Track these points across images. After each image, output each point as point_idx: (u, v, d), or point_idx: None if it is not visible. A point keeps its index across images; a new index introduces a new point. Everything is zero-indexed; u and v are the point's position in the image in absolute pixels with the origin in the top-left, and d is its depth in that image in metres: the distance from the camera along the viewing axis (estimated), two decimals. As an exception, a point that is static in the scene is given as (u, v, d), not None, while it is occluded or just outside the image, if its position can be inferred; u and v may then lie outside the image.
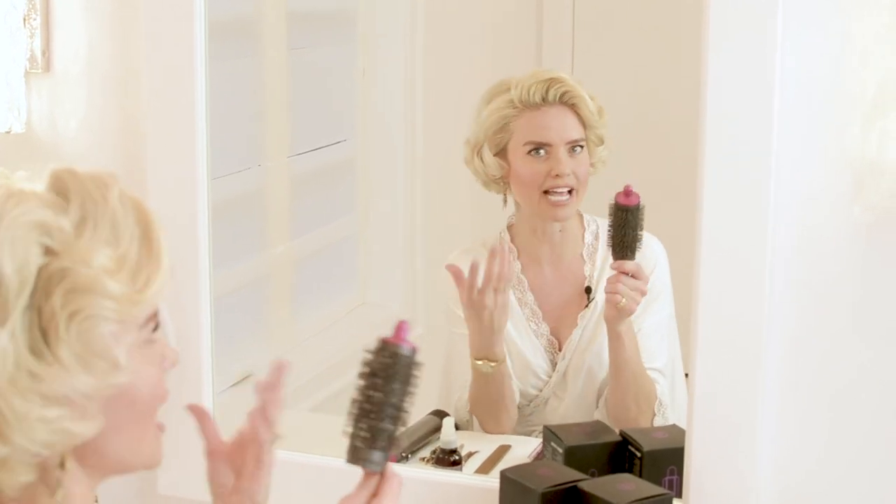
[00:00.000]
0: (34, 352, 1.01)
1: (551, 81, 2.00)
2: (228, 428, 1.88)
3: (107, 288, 1.03)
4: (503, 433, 2.03)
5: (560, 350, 2.03)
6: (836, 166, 1.55)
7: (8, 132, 1.91)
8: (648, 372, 1.96)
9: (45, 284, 1.01)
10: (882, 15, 1.51)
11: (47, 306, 1.01)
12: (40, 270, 1.01)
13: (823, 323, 1.59)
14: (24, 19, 1.91)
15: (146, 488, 1.96)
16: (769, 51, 1.52)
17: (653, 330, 1.98)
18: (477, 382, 2.02)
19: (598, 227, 2.04)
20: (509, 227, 2.08)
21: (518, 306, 2.05)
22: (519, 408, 2.04)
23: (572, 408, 2.01)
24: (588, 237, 2.05)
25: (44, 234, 1.02)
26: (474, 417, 2.05)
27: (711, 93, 1.55)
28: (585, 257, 2.04)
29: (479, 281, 1.96)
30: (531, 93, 2.00)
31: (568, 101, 2.00)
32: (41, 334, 1.01)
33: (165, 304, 1.83)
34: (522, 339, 2.04)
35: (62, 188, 1.06)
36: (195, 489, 1.89)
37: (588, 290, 2.02)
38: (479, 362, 2.01)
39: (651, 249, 1.98)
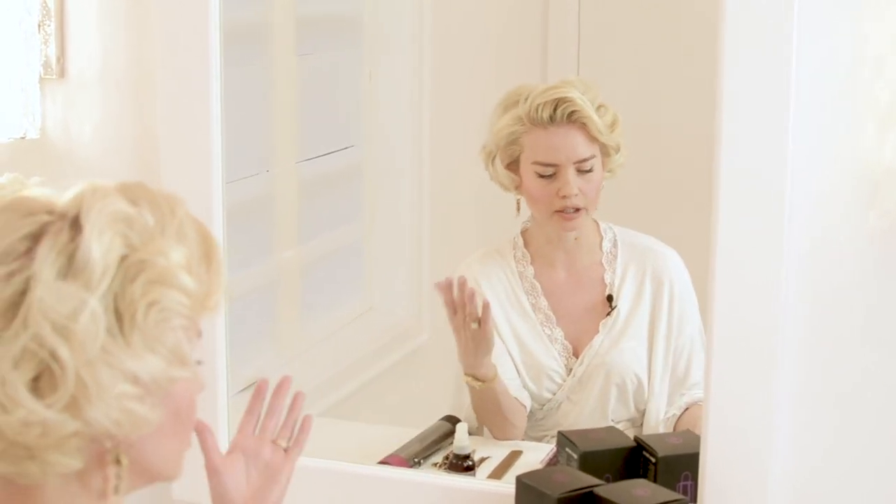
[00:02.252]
0: (110, 333, 1.04)
1: (559, 101, 1.97)
2: (235, 433, 1.89)
3: (183, 282, 1.07)
4: (511, 440, 2.03)
5: (576, 355, 2.03)
6: (851, 172, 1.56)
7: (23, 138, 1.92)
8: (697, 395, 1.95)
9: (125, 273, 1.05)
10: (896, 22, 1.52)
11: (127, 293, 1.04)
12: (122, 259, 1.05)
13: (838, 328, 1.60)
14: (39, 25, 1.91)
15: (161, 493, 1.96)
16: (784, 57, 1.53)
17: (687, 346, 1.99)
18: (472, 395, 2.03)
19: (615, 234, 2.05)
20: (523, 233, 2.09)
21: (532, 311, 2.05)
22: (531, 412, 2.04)
23: (586, 412, 2.02)
24: (606, 245, 2.05)
25: (128, 226, 1.06)
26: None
27: (727, 100, 1.55)
28: (605, 264, 2.04)
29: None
30: (539, 111, 1.98)
31: (576, 121, 1.98)
32: (116, 319, 1.04)
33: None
34: (536, 344, 2.04)
35: (133, 195, 1.10)
36: (209, 494, 1.90)
37: (610, 298, 2.02)
38: (468, 378, 2.02)
39: (669, 266, 1.99)
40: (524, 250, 2.07)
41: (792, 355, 1.60)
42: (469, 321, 1.96)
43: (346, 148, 2.41)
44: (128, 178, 1.88)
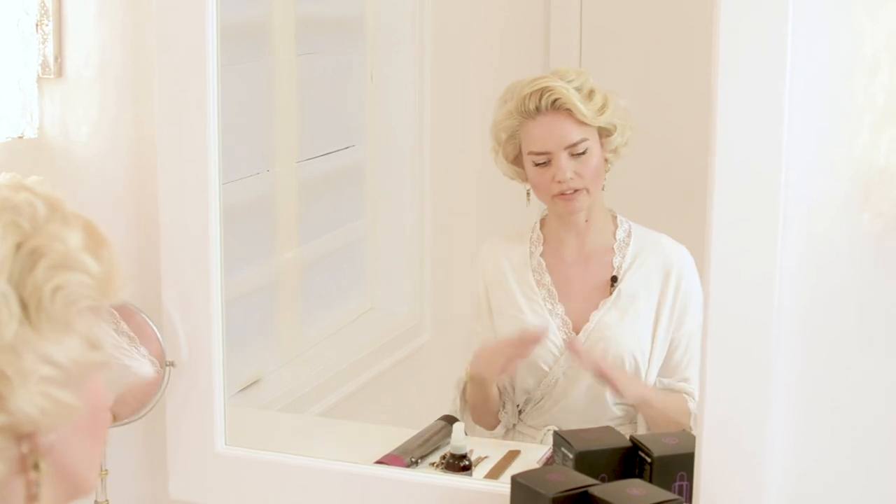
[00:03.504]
0: (19, 321, 1.02)
1: (543, 90, 2.03)
2: (235, 433, 1.90)
3: (85, 264, 1.06)
4: (494, 430, 2.11)
5: (576, 332, 2.06)
6: (845, 175, 1.56)
7: (20, 137, 1.92)
8: (681, 384, 2.02)
9: (23, 261, 1.03)
10: (891, 24, 1.51)
11: (28, 281, 1.02)
12: (17, 247, 1.03)
13: (833, 330, 1.60)
14: (37, 25, 1.92)
15: (157, 493, 1.97)
16: (779, 59, 1.53)
17: (684, 341, 2.03)
18: (469, 385, 2.12)
19: (631, 227, 2.09)
20: (542, 219, 2.13)
21: (536, 287, 2.10)
22: (528, 392, 2.08)
23: (582, 391, 2.05)
24: (620, 234, 2.09)
25: (16, 213, 1.05)
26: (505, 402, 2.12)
27: (722, 101, 1.55)
28: (616, 250, 2.08)
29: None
30: (526, 103, 2.04)
31: (560, 108, 2.03)
32: (21, 308, 1.02)
33: (178, 310, 1.85)
34: (537, 319, 2.08)
35: (15, 187, 1.08)
36: (206, 493, 1.91)
37: (614, 279, 2.06)
38: (471, 373, 2.11)
39: (678, 260, 2.02)
40: (539, 233, 2.13)
41: (787, 356, 1.60)
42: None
43: (346, 147, 2.41)
44: (127, 177, 1.91)
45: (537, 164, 2.06)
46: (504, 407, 2.10)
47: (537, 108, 2.04)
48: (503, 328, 2.11)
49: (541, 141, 2.05)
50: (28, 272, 1.03)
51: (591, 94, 2.03)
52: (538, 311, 2.08)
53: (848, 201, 1.56)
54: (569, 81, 2.03)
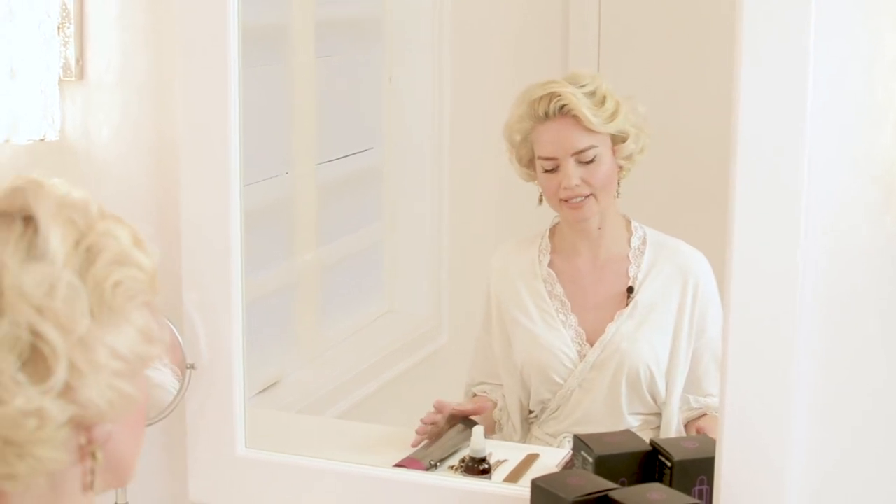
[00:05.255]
0: (89, 316, 1.05)
1: (552, 95, 2.03)
2: (253, 435, 1.90)
3: (138, 260, 1.09)
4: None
5: (590, 343, 2.04)
6: (868, 176, 1.55)
7: (42, 140, 1.92)
8: (707, 401, 2.00)
9: (83, 257, 1.06)
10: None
11: (90, 277, 1.05)
12: (76, 244, 1.06)
13: (855, 333, 1.59)
14: (59, 27, 1.92)
15: (177, 495, 1.97)
16: (801, 60, 1.52)
17: (708, 349, 2.00)
18: None
19: (646, 233, 2.07)
20: (552, 227, 2.12)
21: (548, 298, 2.08)
22: (543, 402, 2.07)
23: (598, 402, 2.03)
24: (635, 241, 2.07)
25: (73, 210, 1.07)
26: (503, 424, 2.08)
27: (744, 102, 1.55)
28: (631, 258, 2.06)
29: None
30: (535, 107, 2.04)
31: (567, 114, 2.02)
32: (87, 300, 1.05)
33: (199, 312, 1.85)
34: (549, 330, 2.07)
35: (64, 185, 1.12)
36: (226, 496, 1.91)
37: (630, 289, 2.04)
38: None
39: (695, 266, 2.01)
40: (548, 241, 2.11)
41: (808, 360, 1.60)
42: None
43: (365, 150, 2.41)
44: (148, 180, 1.91)
45: (546, 171, 2.05)
46: (501, 426, 2.10)
47: (546, 114, 2.03)
48: (515, 340, 2.10)
49: (549, 146, 2.04)
50: (88, 268, 1.05)
51: (603, 101, 2.02)
52: (550, 323, 2.07)
53: (870, 203, 1.56)
54: (581, 87, 2.02)
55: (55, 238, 1.04)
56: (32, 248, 1.04)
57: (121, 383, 1.06)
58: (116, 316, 1.06)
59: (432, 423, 2.04)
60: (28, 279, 1.02)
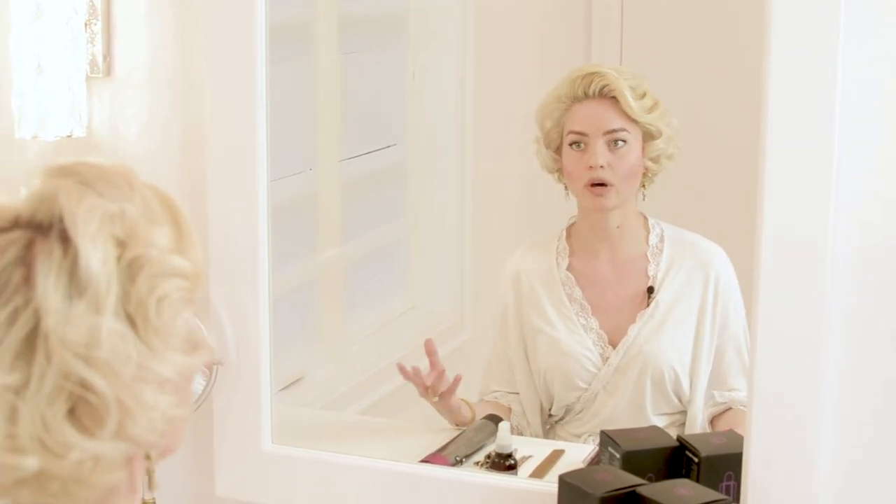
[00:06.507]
0: (134, 345, 1.01)
1: (594, 76, 2.03)
2: (279, 431, 1.90)
3: (179, 267, 1.04)
4: None
5: (612, 345, 2.04)
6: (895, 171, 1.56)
7: (69, 136, 1.93)
8: (732, 396, 1.99)
9: (125, 275, 1.01)
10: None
11: (132, 295, 1.01)
12: (117, 261, 1.01)
13: (883, 327, 1.59)
14: (86, 24, 1.93)
15: (204, 490, 1.98)
16: (831, 53, 1.52)
17: (731, 344, 2.00)
18: None
19: (663, 230, 2.05)
20: (569, 227, 2.10)
21: (568, 302, 2.07)
22: (567, 406, 2.06)
23: (623, 404, 2.02)
24: (653, 239, 2.05)
25: (112, 223, 1.02)
26: (522, 430, 2.09)
27: (773, 95, 1.55)
28: (650, 257, 2.05)
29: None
30: (575, 86, 2.04)
31: (608, 94, 2.03)
32: (130, 325, 1.01)
33: (226, 308, 1.86)
34: (571, 335, 2.06)
35: (89, 180, 1.04)
36: (253, 491, 1.92)
37: (650, 289, 2.03)
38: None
39: (714, 262, 2.00)
40: (565, 243, 2.10)
41: (837, 356, 1.59)
42: (431, 395, 2.06)
43: (389, 146, 2.41)
44: (175, 176, 1.91)
45: (573, 145, 2.04)
46: (520, 432, 2.09)
47: (585, 93, 2.03)
48: (537, 346, 2.09)
49: (582, 121, 2.03)
50: (131, 285, 1.01)
51: (643, 94, 2.02)
52: (571, 327, 2.06)
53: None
54: (625, 78, 2.03)
55: (96, 262, 0.99)
56: (74, 279, 0.98)
57: (172, 411, 1.04)
58: (162, 335, 1.02)
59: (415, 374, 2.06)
60: (69, 325, 0.97)
